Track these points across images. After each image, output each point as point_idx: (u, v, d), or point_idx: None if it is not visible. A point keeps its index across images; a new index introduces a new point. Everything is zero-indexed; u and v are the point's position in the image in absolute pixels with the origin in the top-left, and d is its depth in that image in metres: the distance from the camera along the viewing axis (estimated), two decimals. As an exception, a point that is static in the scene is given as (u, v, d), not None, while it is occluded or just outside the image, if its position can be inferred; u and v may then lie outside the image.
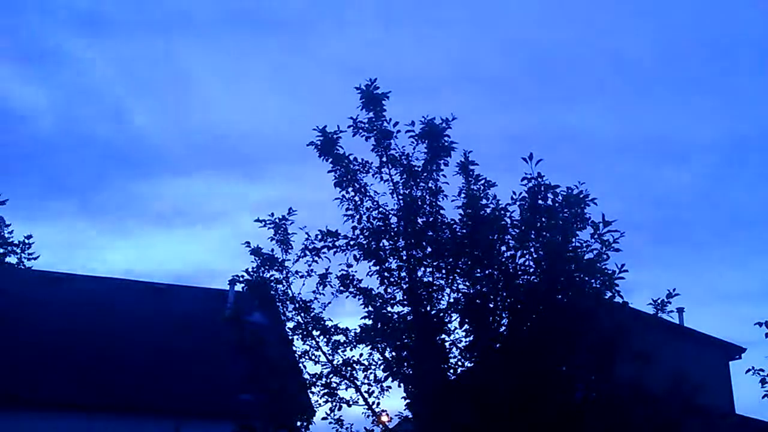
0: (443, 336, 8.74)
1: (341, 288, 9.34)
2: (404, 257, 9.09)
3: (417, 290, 8.87)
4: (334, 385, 9.22)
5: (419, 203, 9.08)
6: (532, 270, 7.95)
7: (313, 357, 9.29)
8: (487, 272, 8.15)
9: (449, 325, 8.77)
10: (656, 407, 7.65)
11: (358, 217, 9.31)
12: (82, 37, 41.97)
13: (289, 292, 9.33)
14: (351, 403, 9.24)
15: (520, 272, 8.06)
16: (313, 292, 9.37)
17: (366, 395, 9.22)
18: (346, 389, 9.27)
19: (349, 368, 9.23)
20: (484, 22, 37.44)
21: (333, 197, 9.38)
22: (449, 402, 7.99)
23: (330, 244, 9.37)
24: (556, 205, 8.09)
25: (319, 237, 9.36)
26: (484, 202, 8.65)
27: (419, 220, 9.09)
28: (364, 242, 9.18)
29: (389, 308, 8.98)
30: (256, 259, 9.23)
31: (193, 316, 19.39)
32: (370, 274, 9.16)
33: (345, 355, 9.25)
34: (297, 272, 9.40)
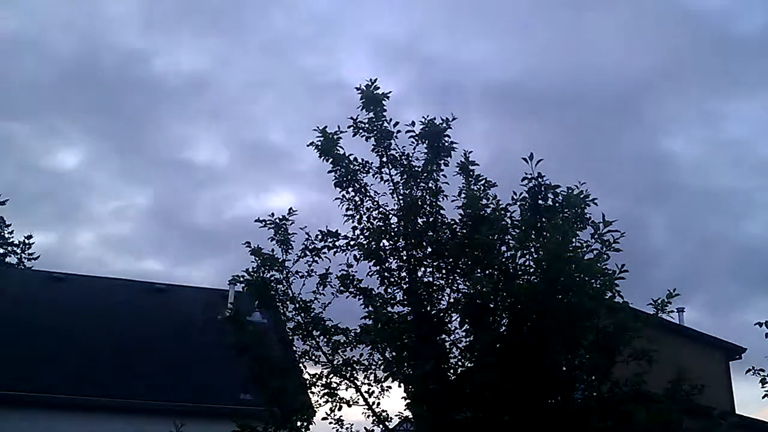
0: (443, 336, 8.74)
1: (341, 288, 9.34)
2: (404, 257, 9.09)
3: (417, 290, 8.87)
4: (334, 385, 9.21)
5: (419, 203, 9.08)
6: (532, 270, 7.94)
7: (313, 357, 9.28)
8: (487, 272, 8.14)
9: (449, 325, 8.78)
10: (656, 407, 7.64)
11: (358, 217, 9.33)
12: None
13: (290, 292, 9.32)
14: (351, 403, 9.24)
15: (520, 272, 8.05)
16: (313, 292, 9.37)
17: (366, 395, 9.22)
18: (346, 389, 9.26)
19: (349, 368, 9.22)
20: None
21: (333, 197, 9.42)
22: (449, 402, 7.99)
23: (330, 245, 9.37)
24: (557, 205, 8.10)
25: (319, 237, 9.36)
26: (484, 202, 8.65)
27: (419, 220, 9.09)
28: (365, 242, 9.19)
29: (389, 308, 8.99)
30: (256, 259, 9.22)
31: (193, 316, 19.42)
32: (370, 274, 9.17)
33: (345, 355, 9.25)
34: (297, 272, 9.40)
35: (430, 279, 8.99)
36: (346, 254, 9.35)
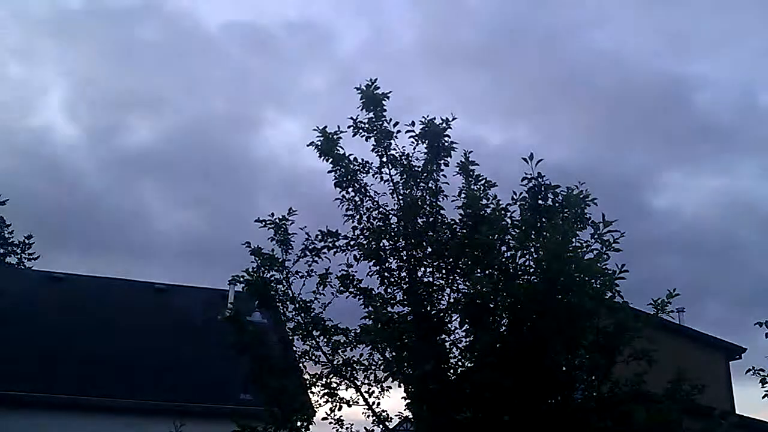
0: (443, 336, 8.74)
1: (341, 288, 9.34)
2: (404, 257, 9.09)
3: (417, 290, 8.87)
4: (334, 385, 9.21)
5: (419, 203, 9.08)
6: (532, 270, 7.95)
7: (313, 357, 9.27)
8: (487, 272, 8.15)
9: (449, 325, 8.78)
10: (656, 407, 7.64)
11: (358, 217, 9.32)
12: None
13: (289, 292, 9.31)
14: (351, 403, 9.24)
15: (520, 272, 8.05)
16: (313, 292, 9.36)
17: (366, 395, 9.22)
18: (346, 389, 9.27)
19: (349, 368, 9.22)
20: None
21: (333, 197, 9.42)
22: (449, 402, 7.99)
23: (330, 245, 9.37)
24: (557, 205, 8.10)
25: (319, 237, 9.36)
26: (484, 202, 8.66)
27: (419, 220, 9.09)
28: (364, 242, 9.19)
29: (389, 308, 8.98)
30: (256, 259, 9.22)
31: (193, 316, 19.42)
32: (370, 274, 9.17)
33: (345, 355, 9.25)
34: (297, 272, 9.39)
35: (430, 279, 8.98)
36: (346, 254, 9.36)
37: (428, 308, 8.86)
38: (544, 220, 8.06)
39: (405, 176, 9.26)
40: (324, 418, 9.29)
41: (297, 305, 9.28)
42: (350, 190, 9.37)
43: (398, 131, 9.29)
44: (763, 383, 7.67)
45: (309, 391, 9.26)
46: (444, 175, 9.27)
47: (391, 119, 9.31)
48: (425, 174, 9.21)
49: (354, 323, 9.03)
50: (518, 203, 8.31)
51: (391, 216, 9.27)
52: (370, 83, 9.31)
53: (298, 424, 8.77)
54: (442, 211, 9.15)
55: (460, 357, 8.57)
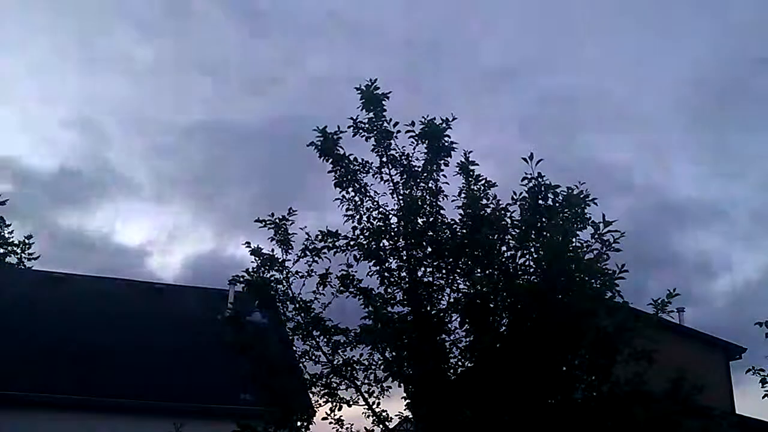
0: (443, 336, 8.74)
1: (341, 288, 9.34)
2: (404, 257, 9.09)
3: (417, 290, 8.87)
4: (334, 385, 9.20)
5: (419, 203, 9.07)
6: (532, 270, 7.95)
7: (313, 357, 9.27)
8: (487, 272, 8.15)
9: (449, 325, 8.78)
10: (656, 407, 7.64)
11: (358, 217, 9.32)
12: None
13: (290, 292, 9.31)
14: (351, 403, 9.23)
15: (520, 272, 8.06)
16: (313, 292, 9.36)
17: (366, 395, 9.21)
18: (346, 389, 9.26)
19: (349, 368, 9.21)
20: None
21: (333, 197, 9.42)
22: (449, 402, 7.99)
23: (330, 245, 9.36)
24: (557, 205, 8.10)
25: (320, 237, 9.35)
26: (484, 202, 8.66)
27: (419, 220, 9.08)
28: (365, 242, 9.18)
29: (389, 308, 8.98)
30: (256, 259, 9.22)
31: (193, 316, 19.42)
32: (370, 274, 9.16)
33: (345, 355, 9.24)
34: (297, 272, 9.39)
35: (430, 279, 8.98)
36: (346, 254, 9.34)
37: (428, 308, 8.86)
38: (544, 220, 8.06)
39: (405, 176, 9.27)
40: (324, 418, 9.30)
41: (297, 305, 9.28)
42: (350, 190, 9.37)
43: (398, 131, 9.30)
44: (763, 383, 7.67)
45: (309, 391, 9.25)
46: (444, 175, 9.28)
47: (391, 119, 9.33)
48: (425, 174, 9.21)
49: (354, 323, 9.04)
50: (518, 203, 8.31)
51: (391, 216, 9.27)
52: (369, 83, 9.31)
53: (298, 424, 8.77)
54: (442, 211, 9.15)
55: (460, 357, 8.57)
